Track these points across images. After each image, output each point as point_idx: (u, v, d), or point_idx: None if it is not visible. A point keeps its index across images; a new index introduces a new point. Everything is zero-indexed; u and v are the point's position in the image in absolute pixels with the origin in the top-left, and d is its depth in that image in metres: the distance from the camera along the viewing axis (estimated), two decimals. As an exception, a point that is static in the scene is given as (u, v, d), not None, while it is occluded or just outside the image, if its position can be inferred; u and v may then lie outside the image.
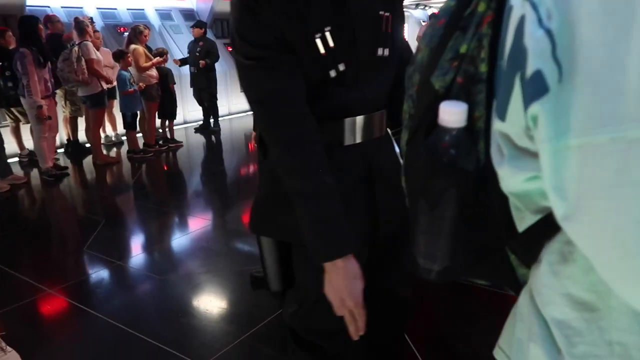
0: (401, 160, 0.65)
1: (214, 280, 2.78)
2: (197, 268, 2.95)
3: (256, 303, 2.40)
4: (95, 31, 5.88)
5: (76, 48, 5.13)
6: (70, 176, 5.25)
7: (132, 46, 5.73)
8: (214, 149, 6.84)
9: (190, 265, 3.02)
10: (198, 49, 6.80)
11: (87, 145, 5.99)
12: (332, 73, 0.97)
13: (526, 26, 0.41)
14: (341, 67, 0.98)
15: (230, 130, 7.66)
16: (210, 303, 2.51)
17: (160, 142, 6.38)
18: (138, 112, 5.89)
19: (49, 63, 4.99)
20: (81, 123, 6.02)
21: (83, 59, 5.13)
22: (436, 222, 0.57)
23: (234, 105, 8.57)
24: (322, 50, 0.95)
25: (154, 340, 2.16)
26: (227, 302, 2.54)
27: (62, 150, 6.32)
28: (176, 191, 4.95)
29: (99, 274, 2.93)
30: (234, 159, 5.99)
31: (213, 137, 7.18)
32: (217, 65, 7.08)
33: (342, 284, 0.93)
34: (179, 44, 7.97)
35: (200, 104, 7.31)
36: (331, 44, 0.95)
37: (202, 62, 6.70)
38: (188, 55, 7.00)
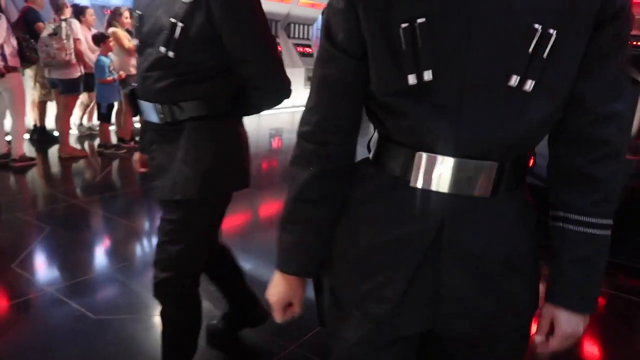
0: None
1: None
2: (152, 309, 2.30)
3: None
4: (86, 8, 5.32)
5: (64, 24, 4.57)
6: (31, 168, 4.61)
7: (111, 29, 5.13)
8: (198, 153, 6.19)
9: (144, 302, 2.37)
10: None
11: (56, 133, 5.34)
12: (412, 79, 0.74)
13: None
14: (427, 75, 0.73)
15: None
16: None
17: (137, 138, 5.72)
18: (115, 104, 5.26)
19: (16, 38, 4.43)
20: (52, 109, 5.39)
21: (72, 38, 4.59)
22: None
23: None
24: (403, 45, 0.73)
25: None
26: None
27: (27, 136, 5.66)
28: (146, 199, 4.25)
29: (16, 305, 2.27)
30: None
31: (199, 139, 6.53)
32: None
33: (275, 289, 0.94)
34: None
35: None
36: (420, 42, 0.72)
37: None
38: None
